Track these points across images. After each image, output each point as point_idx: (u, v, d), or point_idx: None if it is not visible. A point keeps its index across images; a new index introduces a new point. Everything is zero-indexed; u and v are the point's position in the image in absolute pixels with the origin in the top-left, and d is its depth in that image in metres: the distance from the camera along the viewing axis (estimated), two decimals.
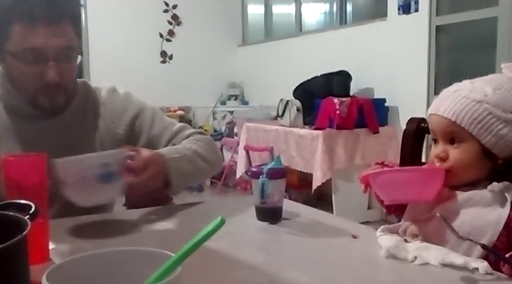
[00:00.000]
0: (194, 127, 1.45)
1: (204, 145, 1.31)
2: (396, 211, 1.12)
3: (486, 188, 0.92)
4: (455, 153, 0.96)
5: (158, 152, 1.19)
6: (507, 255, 0.80)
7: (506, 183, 0.91)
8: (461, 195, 0.94)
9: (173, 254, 0.52)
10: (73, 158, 1.00)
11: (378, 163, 1.13)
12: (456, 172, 0.96)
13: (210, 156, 1.31)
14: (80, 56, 1.23)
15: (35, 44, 1.13)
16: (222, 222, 0.53)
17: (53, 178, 0.96)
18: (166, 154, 1.19)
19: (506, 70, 0.98)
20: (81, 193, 1.01)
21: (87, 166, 0.99)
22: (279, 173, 1.08)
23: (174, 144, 1.32)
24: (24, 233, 0.54)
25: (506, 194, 0.90)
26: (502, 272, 0.78)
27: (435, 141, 1.00)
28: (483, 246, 0.78)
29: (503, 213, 0.89)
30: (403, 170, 1.02)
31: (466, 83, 0.97)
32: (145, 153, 1.11)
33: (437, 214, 0.84)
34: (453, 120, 0.94)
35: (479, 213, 0.91)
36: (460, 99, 0.94)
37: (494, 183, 0.91)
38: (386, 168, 1.07)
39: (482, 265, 0.76)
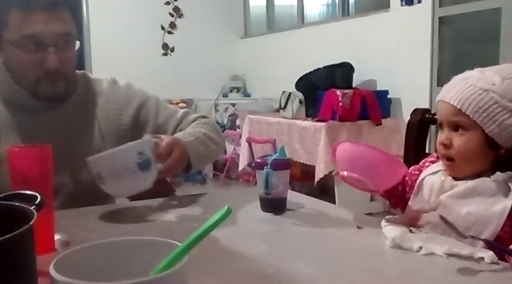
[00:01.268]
0: None
1: (211, 128, 1.35)
2: (399, 204, 1.12)
3: (489, 178, 0.92)
4: (459, 141, 0.96)
5: (176, 137, 1.21)
6: (511, 246, 0.80)
7: (509, 172, 0.91)
8: (466, 184, 0.95)
9: (179, 244, 0.52)
10: (110, 152, 1.04)
11: None
12: (459, 160, 0.96)
13: (218, 138, 1.35)
14: (78, 42, 1.23)
15: (34, 30, 1.13)
16: (228, 211, 0.52)
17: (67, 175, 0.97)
18: (182, 137, 1.21)
19: None
20: (122, 184, 1.03)
21: (127, 157, 1.02)
22: (283, 164, 1.08)
23: (180, 129, 1.34)
24: (30, 223, 0.55)
25: (510, 184, 0.90)
26: (507, 262, 0.78)
27: (442, 127, 1.00)
28: (486, 242, 0.78)
29: (507, 204, 0.89)
30: (370, 147, 1.02)
31: (475, 71, 0.97)
32: (168, 138, 1.14)
33: (438, 214, 0.84)
34: (458, 107, 0.94)
35: (484, 203, 0.91)
36: (467, 87, 0.94)
37: (498, 173, 0.91)
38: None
39: (488, 255, 0.76)
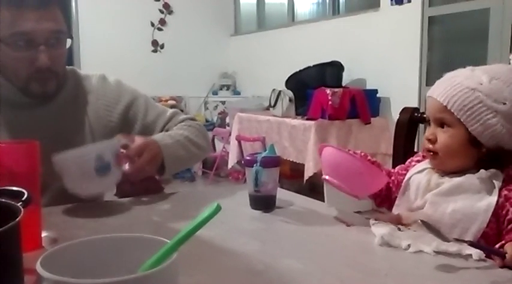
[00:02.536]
0: None
1: (195, 131, 1.34)
2: (384, 203, 1.13)
3: (474, 175, 0.93)
4: (442, 137, 0.97)
5: (152, 138, 1.21)
6: (497, 245, 0.81)
7: (493, 170, 0.92)
8: (451, 182, 0.96)
9: (168, 241, 0.52)
10: (70, 153, 1.03)
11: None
12: (442, 154, 0.97)
13: (201, 142, 1.33)
14: (69, 40, 1.22)
15: (25, 28, 1.11)
16: (218, 208, 0.52)
17: (55, 171, 0.99)
18: (159, 140, 1.21)
19: None
20: (81, 185, 1.04)
21: (84, 161, 1.02)
22: (273, 161, 1.08)
23: (167, 130, 1.34)
24: (17, 220, 0.54)
25: (494, 181, 0.91)
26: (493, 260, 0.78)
27: (429, 123, 1.02)
28: (470, 243, 0.79)
29: (491, 200, 0.90)
30: (351, 156, 1.02)
31: (466, 70, 0.98)
32: (139, 140, 1.13)
33: (419, 221, 0.85)
34: (444, 104, 0.95)
35: (469, 200, 0.92)
36: (455, 84, 0.95)
37: (482, 170, 0.92)
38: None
39: (476, 252, 0.77)
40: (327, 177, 0.99)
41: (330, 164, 1.01)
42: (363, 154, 1.13)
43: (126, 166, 1.10)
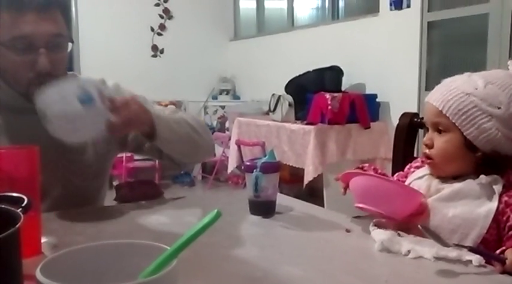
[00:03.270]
0: None
1: (194, 120, 1.27)
2: None
3: (474, 181, 0.94)
4: (439, 142, 0.98)
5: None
6: (497, 251, 0.81)
7: (494, 175, 0.92)
8: (451, 187, 0.96)
9: (168, 248, 0.52)
10: (51, 89, 1.00)
11: (358, 168, 1.14)
12: (438, 160, 0.98)
13: (201, 130, 1.26)
14: (70, 44, 1.21)
15: (25, 31, 1.11)
16: (218, 215, 0.52)
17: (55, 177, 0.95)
18: (151, 109, 1.14)
19: None
20: (67, 122, 0.99)
21: (66, 89, 1.00)
22: (272, 167, 1.08)
23: None
24: (17, 226, 0.54)
25: (494, 187, 0.91)
26: (493, 266, 0.78)
27: (427, 128, 1.02)
28: (470, 249, 0.79)
29: (492, 206, 0.90)
30: (385, 180, 1.00)
31: (463, 75, 0.99)
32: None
33: (419, 226, 0.84)
34: (440, 109, 0.96)
35: (469, 205, 0.92)
36: (451, 89, 0.96)
37: (482, 176, 0.92)
38: (370, 172, 1.08)
39: (476, 258, 0.77)
40: (361, 205, 0.96)
41: (361, 192, 0.98)
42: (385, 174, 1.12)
43: (113, 117, 1.02)
